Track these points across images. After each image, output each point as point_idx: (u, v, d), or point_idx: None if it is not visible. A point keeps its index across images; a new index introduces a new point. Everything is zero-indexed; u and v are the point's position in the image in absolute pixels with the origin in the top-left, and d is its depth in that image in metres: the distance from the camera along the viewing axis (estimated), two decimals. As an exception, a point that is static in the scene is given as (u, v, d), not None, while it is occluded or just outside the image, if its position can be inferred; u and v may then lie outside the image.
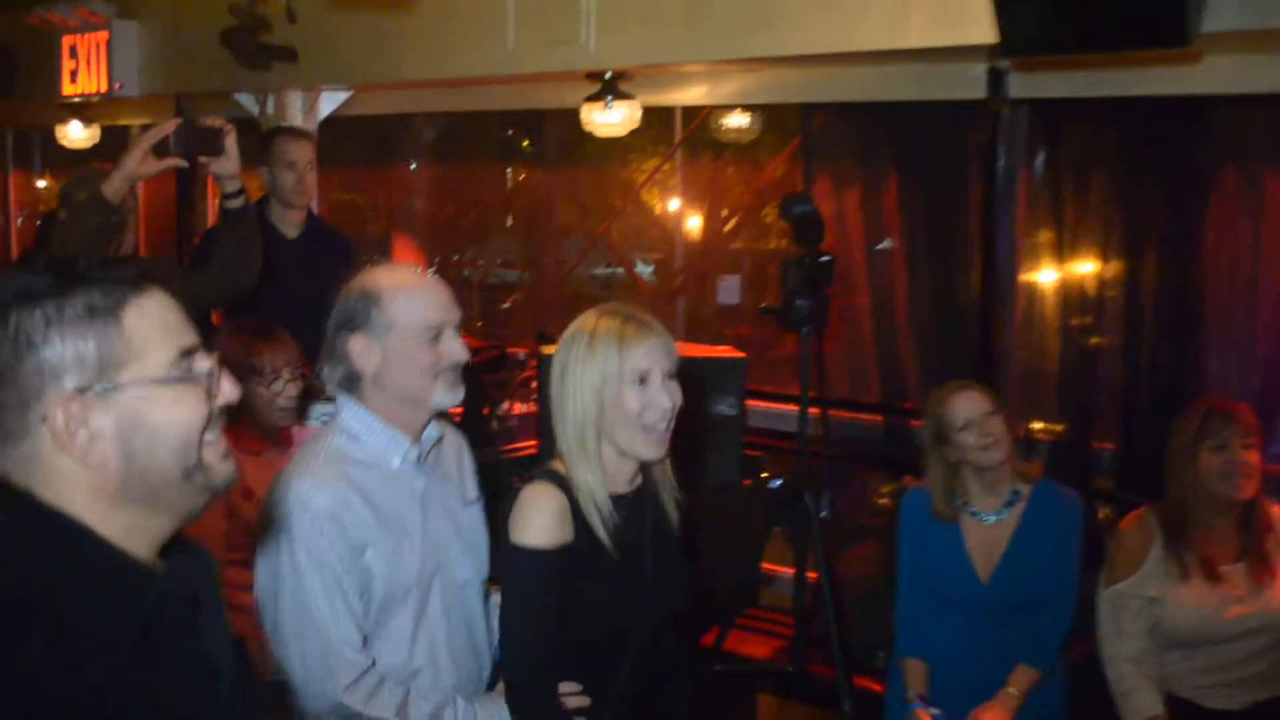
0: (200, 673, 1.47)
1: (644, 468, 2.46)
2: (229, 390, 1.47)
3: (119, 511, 1.40)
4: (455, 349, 2.40)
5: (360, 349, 2.36)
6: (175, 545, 1.48)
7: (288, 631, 2.28)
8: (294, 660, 2.28)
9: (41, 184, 9.35)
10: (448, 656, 2.45)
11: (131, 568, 1.41)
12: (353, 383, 2.39)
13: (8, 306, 1.35)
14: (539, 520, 2.30)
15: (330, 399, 2.48)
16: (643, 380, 2.33)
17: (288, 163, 4.67)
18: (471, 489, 2.64)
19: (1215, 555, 3.26)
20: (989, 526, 3.44)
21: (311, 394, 3.64)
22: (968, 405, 3.37)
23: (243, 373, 3.27)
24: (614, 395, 2.32)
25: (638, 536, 2.41)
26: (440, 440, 2.53)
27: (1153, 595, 3.31)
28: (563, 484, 2.35)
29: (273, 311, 4.26)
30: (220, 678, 1.49)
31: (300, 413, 3.63)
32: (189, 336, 1.45)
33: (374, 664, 2.32)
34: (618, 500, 2.38)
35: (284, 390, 3.35)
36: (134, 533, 1.42)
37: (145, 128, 3.66)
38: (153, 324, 1.41)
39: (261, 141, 4.80)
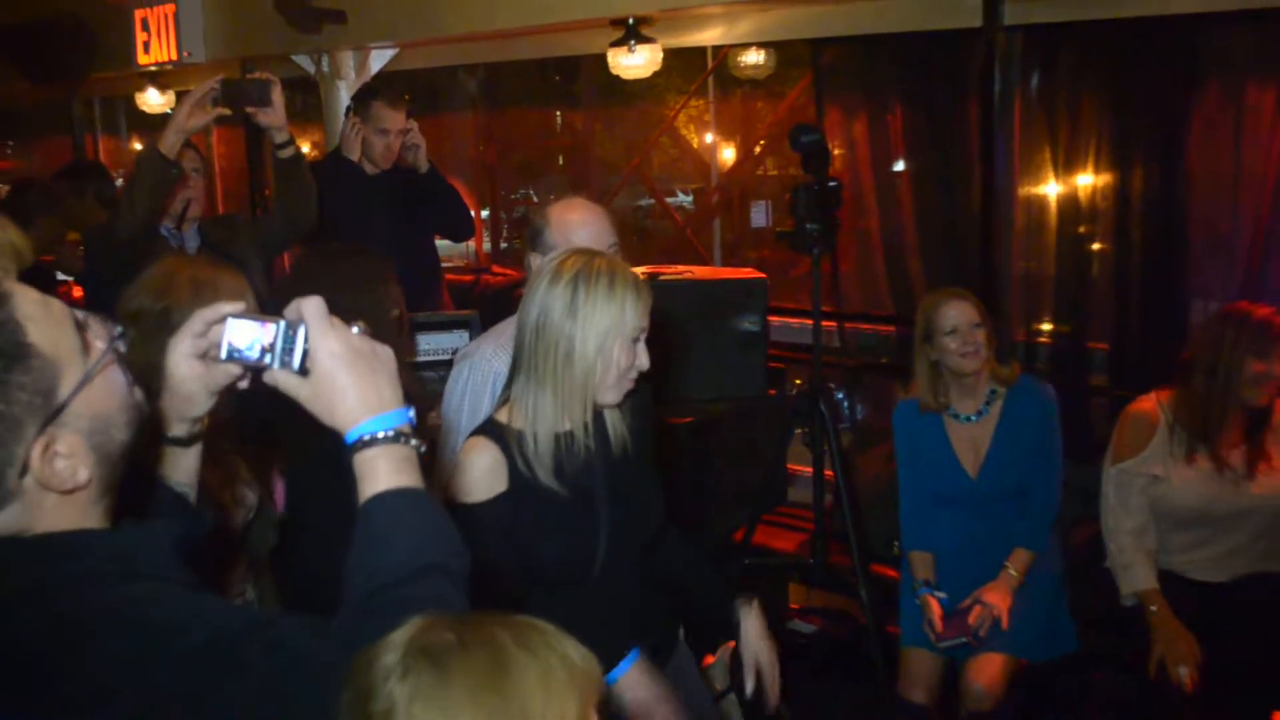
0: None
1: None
2: (102, 333, 1.38)
3: (97, 507, 1.38)
4: None
5: (535, 265, 2.65)
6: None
7: None
8: None
9: (137, 146, 9.72)
10: None
11: (134, 533, 1.39)
12: None
13: None
14: (471, 477, 2.29)
15: None
16: (636, 339, 2.30)
17: (381, 129, 4.72)
18: None
19: (1221, 443, 3.39)
20: (971, 426, 3.63)
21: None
22: (957, 313, 3.53)
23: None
24: (613, 345, 2.26)
25: (589, 470, 2.37)
26: None
27: (1156, 474, 3.45)
28: (498, 434, 2.31)
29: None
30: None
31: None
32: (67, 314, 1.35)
33: None
34: (567, 436, 2.34)
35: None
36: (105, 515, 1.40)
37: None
38: (51, 327, 1.31)
39: (357, 99, 4.88)
